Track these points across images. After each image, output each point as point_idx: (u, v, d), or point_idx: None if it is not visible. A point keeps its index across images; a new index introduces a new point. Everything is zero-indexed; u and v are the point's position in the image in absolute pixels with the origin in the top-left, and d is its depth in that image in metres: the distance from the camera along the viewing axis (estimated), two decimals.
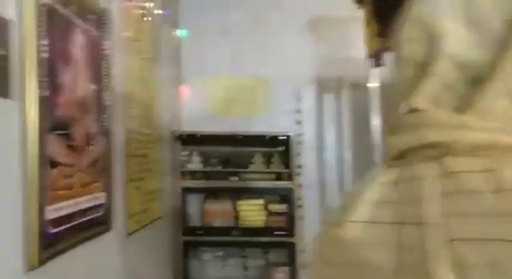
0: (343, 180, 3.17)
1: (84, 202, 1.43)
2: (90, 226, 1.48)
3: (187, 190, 2.85)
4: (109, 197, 1.66)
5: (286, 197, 2.89)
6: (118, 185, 1.78)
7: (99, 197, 1.57)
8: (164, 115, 2.64)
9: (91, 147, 1.46)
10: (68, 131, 1.31)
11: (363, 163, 3.15)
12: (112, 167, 1.68)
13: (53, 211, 1.23)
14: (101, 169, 1.57)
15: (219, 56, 3.18)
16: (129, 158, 1.93)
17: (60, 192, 1.27)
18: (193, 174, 2.95)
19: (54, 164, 1.24)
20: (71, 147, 1.33)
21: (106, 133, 1.60)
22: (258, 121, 3.18)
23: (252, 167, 2.95)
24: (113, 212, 1.71)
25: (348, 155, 3.17)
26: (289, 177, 2.88)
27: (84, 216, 1.43)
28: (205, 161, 3.01)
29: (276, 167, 2.94)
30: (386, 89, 2.48)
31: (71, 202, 1.33)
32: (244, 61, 3.17)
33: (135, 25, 2.01)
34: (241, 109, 3.21)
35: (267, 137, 2.88)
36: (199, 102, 3.18)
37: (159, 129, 2.50)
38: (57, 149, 1.25)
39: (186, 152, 3.01)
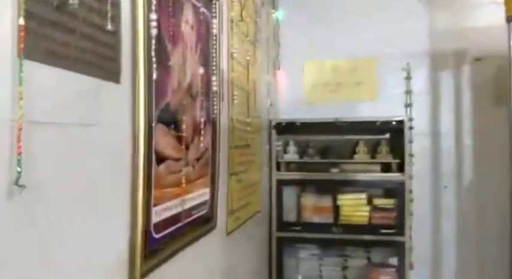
0: (462, 171, 2.75)
1: (190, 200, 1.26)
2: (194, 226, 1.31)
3: (283, 183, 2.64)
4: (213, 192, 1.49)
5: (394, 190, 2.56)
6: (221, 179, 1.61)
7: (204, 194, 1.40)
8: (263, 103, 2.43)
9: (199, 138, 1.27)
10: (177, 120, 1.13)
11: (486, 151, 2.71)
12: (217, 160, 1.50)
13: (159, 213, 1.07)
14: (207, 162, 1.40)
15: (318, 38, 2.90)
16: (232, 149, 1.75)
17: (166, 190, 1.10)
18: (289, 165, 2.73)
19: (161, 158, 1.07)
20: (179, 138, 1.15)
21: (213, 122, 1.42)
22: (362, 105, 2.87)
23: (355, 158, 2.66)
24: (217, 208, 1.54)
25: (468, 142, 2.74)
26: (400, 168, 2.54)
27: (190, 215, 1.27)
28: (303, 151, 2.78)
29: (383, 157, 2.62)
30: None
31: (177, 201, 1.16)
32: (346, 41, 2.86)
33: (239, 4, 1.80)
34: (344, 94, 2.91)
35: (374, 123, 2.55)
36: (296, 88, 2.94)
37: (258, 117, 2.30)
38: (165, 141, 1.08)
39: (281, 142, 2.80)
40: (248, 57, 2.00)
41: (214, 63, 1.40)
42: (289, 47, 2.93)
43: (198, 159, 1.30)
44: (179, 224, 1.18)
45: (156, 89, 1.00)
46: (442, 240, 2.77)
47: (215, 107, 1.43)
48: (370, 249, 2.65)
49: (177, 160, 1.15)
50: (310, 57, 2.94)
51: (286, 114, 2.87)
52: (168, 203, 1.11)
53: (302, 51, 2.94)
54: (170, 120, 1.11)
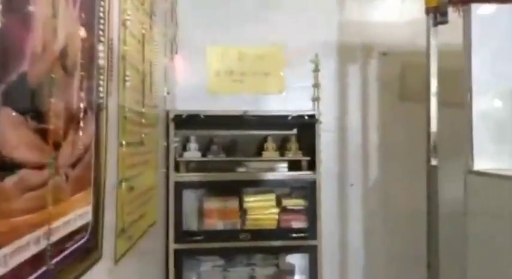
0: (368, 169, 2.67)
1: (61, 227, 0.83)
2: (69, 265, 0.88)
3: (182, 186, 2.25)
4: (97, 210, 1.06)
5: (304, 190, 2.36)
6: (108, 189, 1.19)
7: (84, 215, 0.97)
8: (159, 90, 2.02)
9: (76, 133, 0.85)
10: (39, 104, 0.70)
11: (391, 148, 2.67)
12: (103, 163, 1.08)
13: (6, 260, 0.64)
14: (88, 168, 0.97)
15: (222, 20, 2.57)
16: (123, 148, 1.32)
17: (19, 219, 0.67)
18: (189, 165, 2.35)
19: (10, 167, 0.63)
20: (42, 133, 0.72)
21: (98, 109, 0.99)
22: (267, 98, 2.61)
23: (263, 155, 2.39)
24: (102, 231, 1.11)
25: (374, 138, 2.67)
26: (310, 166, 2.34)
27: (62, 251, 0.84)
28: (206, 148, 2.42)
29: (293, 154, 2.40)
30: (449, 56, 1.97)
31: (38, 233, 0.73)
32: (253, 26, 2.57)
33: None
34: (250, 84, 2.62)
35: (285, 117, 2.31)
36: (196, 75, 2.57)
37: (155, 107, 1.88)
38: (17, 137, 0.64)
39: (179, 138, 2.41)
40: (143, 31, 1.57)
41: (101, 27, 0.98)
42: (188, 28, 2.54)
43: (74, 164, 0.87)
44: (43, 269, 0.74)
45: (1, 46, 0.56)
46: (349, 241, 2.66)
47: (101, 89, 1.01)
48: (279, 256, 2.42)
49: (40, 167, 0.72)
50: (212, 42, 2.59)
51: (185, 105, 2.48)
52: (23, 240, 0.68)
53: (204, 34, 2.58)
54: (27, 103, 0.67)
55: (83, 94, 0.86)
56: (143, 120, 1.62)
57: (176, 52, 2.54)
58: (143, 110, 1.62)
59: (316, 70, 2.62)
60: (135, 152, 1.52)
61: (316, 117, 2.33)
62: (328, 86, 2.63)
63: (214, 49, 2.59)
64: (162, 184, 2.20)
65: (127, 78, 1.33)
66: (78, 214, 0.92)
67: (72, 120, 0.83)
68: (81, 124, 0.85)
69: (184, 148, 2.40)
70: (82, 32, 0.84)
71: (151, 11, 1.72)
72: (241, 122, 2.31)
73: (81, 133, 0.86)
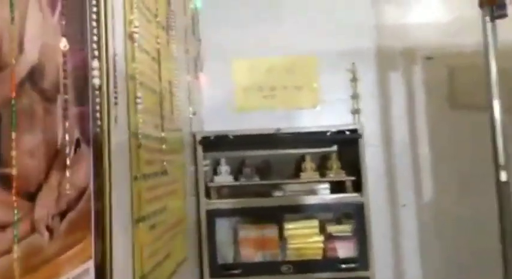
0: (421, 186, 2.37)
1: None
2: None
3: (214, 214, 2.05)
4: (103, 262, 0.86)
5: (350, 214, 2.10)
6: (120, 233, 0.99)
7: (83, 274, 0.77)
8: (183, 111, 1.84)
9: (62, 174, 0.66)
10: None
11: (444, 161, 2.37)
12: (107, 204, 0.88)
13: None
14: (86, 214, 0.78)
15: (248, 33, 2.39)
16: (138, 181, 1.13)
17: None
18: (221, 191, 2.15)
19: None
20: (3, 182, 0.53)
21: (95, 140, 0.80)
22: (301, 113, 2.39)
23: (302, 176, 2.16)
24: None
25: (425, 152, 2.38)
26: (355, 186, 2.08)
27: None
28: (238, 171, 2.22)
29: (335, 174, 2.15)
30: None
31: None
32: (280, 35, 2.38)
33: None
34: (280, 99, 2.41)
35: (323, 134, 2.07)
36: (223, 93, 2.39)
37: (179, 130, 1.70)
38: None
39: (209, 161, 2.22)
40: (158, 46, 1.40)
41: (94, 39, 0.80)
42: (212, 44, 2.37)
43: (63, 214, 0.68)
44: None
45: None
46: (405, 270, 2.35)
47: (99, 115, 0.82)
48: None
49: (4, 226, 0.53)
50: (238, 55, 2.41)
51: (212, 125, 2.29)
52: None
53: (228, 48, 2.40)
54: None
55: (69, 124, 0.67)
56: (164, 146, 1.43)
57: (201, 70, 2.38)
58: (163, 135, 1.44)
59: (354, 80, 2.39)
60: (156, 184, 1.33)
61: (359, 131, 2.08)
62: (369, 97, 2.39)
63: (240, 63, 2.41)
64: (193, 214, 2.00)
65: (138, 100, 1.15)
66: (74, 276, 0.72)
67: (54, 158, 0.64)
68: (68, 162, 0.66)
69: (215, 172, 2.20)
70: (63, 44, 0.65)
71: (168, 25, 1.56)
72: (274, 141, 2.10)
73: (68, 174, 0.66)
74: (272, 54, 2.41)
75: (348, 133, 2.07)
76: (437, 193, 2.35)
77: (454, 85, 2.36)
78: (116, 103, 0.98)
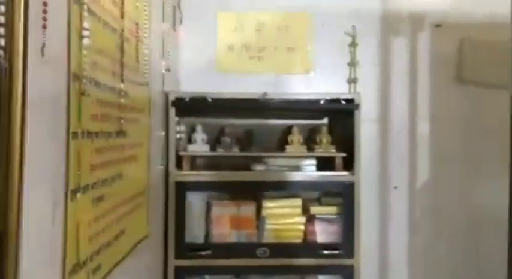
0: (416, 169, 2.16)
1: None
2: None
3: (185, 187, 1.79)
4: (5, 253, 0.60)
5: (339, 195, 1.88)
6: (44, 207, 0.73)
7: None
8: (155, 65, 1.55)
9: None
10: None
11: (445, 142, 2.15)
12: (16, 170, 0.61)
13: None
14: None
15: None
16: (80, 140, 0.86)
17: None
18: (195, 161, 1.89)
19: None
20: None
21: None
22: (291, 79, 2.12)
23: (287, 150, 1.91)
24: None
25: (425, 130, 2.15)
26: (346, 165, 1.85)
27: None
28: (215, 141, 1.96)
29: (325, 149, 1.91)
30: None
31: None
32: None
33: None
34: (270, 62, 2.13)
35: (316, 102, 1.81)
36: (205, 49, 2.09)
37: (145, 85, 1.41)
38: None
39: (183, 127, 1.95)
40: None
41: None
42: None
43: None
44: None
45: None
46: (391, 258, 2.16)
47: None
48: (305, 277, 1.94)
49: None
50: (224, 8, 2.10)
51: (190, 86, 2.02)
52: None
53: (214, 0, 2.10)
54: None
55: None
56: (122, 100, 1.15)
57: (181, 22, 2.07)
58: (122, 86, 1.16)
59: (353, 45, 2.12)
60: (108, 146, 1.06)
61: (356, 101, 1.83)
62: (368, 65, 2.13)
63: (226, 17, 2.11)
64: (160, 186, 1.74)
65: (85, 33, 0.86)
66: None
67: None
68: None
69: (189, 140, 1.93)
70: None
71: None
72: (259, 108, 1.84)
73: None
74: (263, 9, 2.11)
75: (343, 102, 1.81)
76: (435, 177, 2.14)
77: (463, 57, 2.11)
78: (44, 26, 0.70)
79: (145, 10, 1.39)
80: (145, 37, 1.38)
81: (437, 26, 2.13)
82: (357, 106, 1.82)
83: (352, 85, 2.12)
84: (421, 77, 2.15)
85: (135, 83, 1.30)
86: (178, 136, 1.86)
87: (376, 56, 2.15)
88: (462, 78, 2.12)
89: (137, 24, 1.31)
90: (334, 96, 1.82)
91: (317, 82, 2.12)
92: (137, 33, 1.30)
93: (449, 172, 2.14)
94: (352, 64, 2.11)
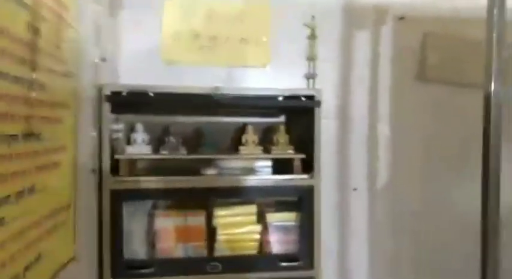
0: (377, 169, 2.04)
1: None
2: None
3: (123, 195, 1.54)
4: None
5: (296, 200, 1.71)
6: None
7: None
8: (85, 54, 1.29)
9: None
10: None
11: (405, 142, 2.05)
12: None
13: None
14: None
15: None
16: None
17: None
18: (134, 165, 1.65)
19: None
20: None
21: None
22: (245, 72, 1.93)
23: (241, 151, 1.71)
24: None
25: (385, 130, 2.04)
26: (305, 167, 1.69)
27: None
28: (158, 141, 1.72)
29: (281, 149, 1.73)
30: None
31: None
32: None
33: None
34: (221, 53, 1.91)
35: (273, 99, 1.63)
36: (148, 37, 1.84)
37: (69, 76, 1.15)
38: None
39: (121, 125, 1.70)
40: None
41: None
42: None
43: None
44: None
45: None
46: (352, 266, 2.03)
47: None
48: None
49: None
50: None
51: (131, 79, 1.77)
52: None
53: None
54: None
55: None
56: (34, 94, 0.91)
57: (121, 6, 1.81)
58: (35, 76, 0.91)
59: (312, 37, 1.96)
60: (10, 152, 0.81)
61: (316, 98, 1.67)
62: (328, 59, 1.98)
63: (174, 2, 1.87)
64: (92, 195, 1.49)
65: None
66: None
67: None
68: None
69: (128, 141, 1.69)
70: None
71: None
72: (209, 104, 1.62)
73: None
74: None
75: (303, 99, 1.64)
76: (395, 177, 2.04)
77: (426, 53, 2.02)
78: None
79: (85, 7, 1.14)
80: (68, 17, 1.13)
81: (401, 18, 2.01)
82: (318, 103, 1.66)
83: (311, 80, 1.96)
84: (383, 74, 2.03)
85: (55, 73, 1.05)
86: (114, 136, 1.61)
87: (337, 50, 2.00)
88: (425, 76, 2.03)
89: (60, 2, 1.05)
90: (293, 92, 1.64)
91: (273, 76, 1.94)
92: (58, 12, 1.05)
93: (411, 173, 2.04)
94: (311, 58, 1.95)
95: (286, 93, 1.61)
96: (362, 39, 2.01)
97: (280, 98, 1.60)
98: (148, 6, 1.84)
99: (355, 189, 2.03)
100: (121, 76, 1.83)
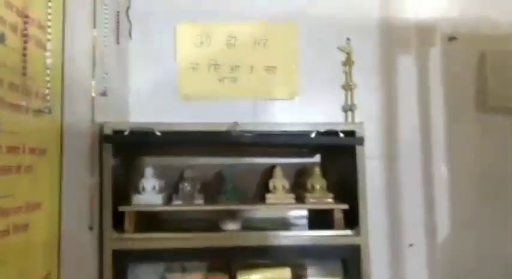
0: (435, 219, 1.69)
1: None
2: None
3: (128, 257, 1.26)
4: None
5: (343, 263, 1.37)
6: None
7: None
8: (80, 88, 1.06)
9: None
10: None
11: (470, 186, 1.70)
12: None
13: None
14: None
15: None
16: None
17: None
18: (140, 219, 1.37)
19: None
20: None
21: None
22: (271, 106, 1.66)
23: (268, 199, 1.41)
24: None
25: (442, 172, 1.70)
26: (350, 219, 1.36)
27: None
28: (171, 189, 1.45)
29: (320, 197, 1.42)
30: None
31: None
32: None
33: None
34: (245, 85, 1.67)
35: (305, 136, 1.34)
36: (160, 73, 1.63)
37: (44, 114, 0.91)
38: None
39: (121, 171, 1.44)
40: None
41: None
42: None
43: None
44: None
45: None
46: None
47: None
48: None
49: None
50: (186, 17, 1.65)
51: (141, 116, 1.53)
52: None
53: (173, 5, 1.65)
54: None
55: None
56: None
57: (129, 34, 1.61)
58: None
59: (348, 63, 1.69)
60: None
61: (358, 134, 1.37)
62: (368, 88, 1.69)
63: (188, 29, 1.65)
64: (90, 257, 1.21)
65: None
66: None
67: None
68: None
69: (136, 189, 1.42)
70: None
71: None
72: (230, 143, 1.35)
73: None
74: (235, 18, 1.67)
75: (341, 135, 1.35)
76: (457, 229, 1.67)
77: (485, 78, 1.70)
78: None
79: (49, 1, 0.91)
80: (48, 40, 0.90)
81: (451, 38, 1.72)
82: (361, 140, 1.35)
83: (349, 113, 1.67)
84: (434, 103, 1.72)
85: (18, 110, 0.80)
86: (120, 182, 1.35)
87: (377, 77, 1.71)
88: (485, 103, 1.70)
89: (27, 17, 0.82)
90: (329, 127, 1.35)
91: (304, 109, 1.67)
92: (26, 30, 0.81)
93: (476, 223, 1.67)
94: (348, 87, 1.67)
95: (321, 128, 1.32)
96: (406, 63, 1.72)
97: (313, 134, 1.31)
98: (160, 31, 1.63)
99: (410, 245, 1.67)
100: (131, 113, 1.60)
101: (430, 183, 1.69)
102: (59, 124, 1.01)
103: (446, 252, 1.68)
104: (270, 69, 1.67)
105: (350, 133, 1.37)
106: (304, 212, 1.55)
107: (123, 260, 1.26)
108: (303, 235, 1.35)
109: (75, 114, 1.10)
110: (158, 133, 1.24)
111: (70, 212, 1.04)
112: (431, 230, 1.67)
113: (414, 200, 1.67)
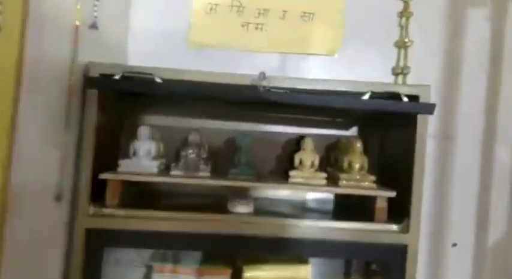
0: (488, 217, 1.38)
1: None
2: None
3: (103, 238, 0.99)
4: None
5: (383, 265, 1.08)
6: None
7: None
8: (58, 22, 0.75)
9: None
10: None
11: None
12: None
13: None
14: None
15: None
16: None
17: None
18: (127, 192, 1.09)
19: None
20: None
21: None
22: (306, 61, 1.33)
23: (292, 178, 1.10)
24: None
25: (504, 157, 1.38)
26: (395, 211, 1.06)
27: None
28: (171, 155, 1.16)
29: (360, 179, 1.11)
30: None
31: None
32: None
33: None
34: (274, 34, 1.33)
35: (348, 97, 1.01)
36: (169, 14, 1.30)
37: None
38: None
39: (108, 128, 1.15)
40: None
41: None
42: None
43: None
44: None
45: None
46: None
47: None
48: None
49: None
50: None
51: (143, 63, 1.22)
52: None
53: None
54: None
55: None
56: None
57: None
58: None
59: (405, 14, 1.34)
60: None
61: (422, 99, 1.04)
62: (427, 46, 1.35)
63: None
64: (56, 237, 0.94)
65: None
66: None
67: None
68: None
69: (125, 152, 1.13)
70: None
71: None
72: (249, 102, 1.04)
73: None
74: None
75: (405, 100, 1.02)
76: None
77: None
78: None
79: None
80: None
81: None
82: (431, 107, 1.03)
83: (400, 77, 1.33)
84: (509, 73, 1.37)
85: None
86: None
87: (440, 34, 1.37)
88: None
89: None
90: (387, 88, 1.02)
91: (345, 69, 1.34)
92: None
93: None
94: (403, 44, 1.33)
95: (377, 89, 1.00)
96: (478, 18, 1.36)
97: (367, 96, 0.99)
98: None
99: (454, 245, 1.37)
100: (129, 57, 1.29)
101: (489, 170, 1.37)
102: (16, 53, 0.71)
103: (497, 256, 1.38)
104: (308, 15, 1.33)
105: (413, 98, 1.05)
106: (330, 196, 1.25)
107: (99, 242, 0.98)
108: (332, 227, 1.05)
109: (47, 45, 0.80)
110: (159, 80, 0.93)
111: (25, 174, 0.76)
112: (482, 228, 1.36)
113: (467, 190, 1.36)
